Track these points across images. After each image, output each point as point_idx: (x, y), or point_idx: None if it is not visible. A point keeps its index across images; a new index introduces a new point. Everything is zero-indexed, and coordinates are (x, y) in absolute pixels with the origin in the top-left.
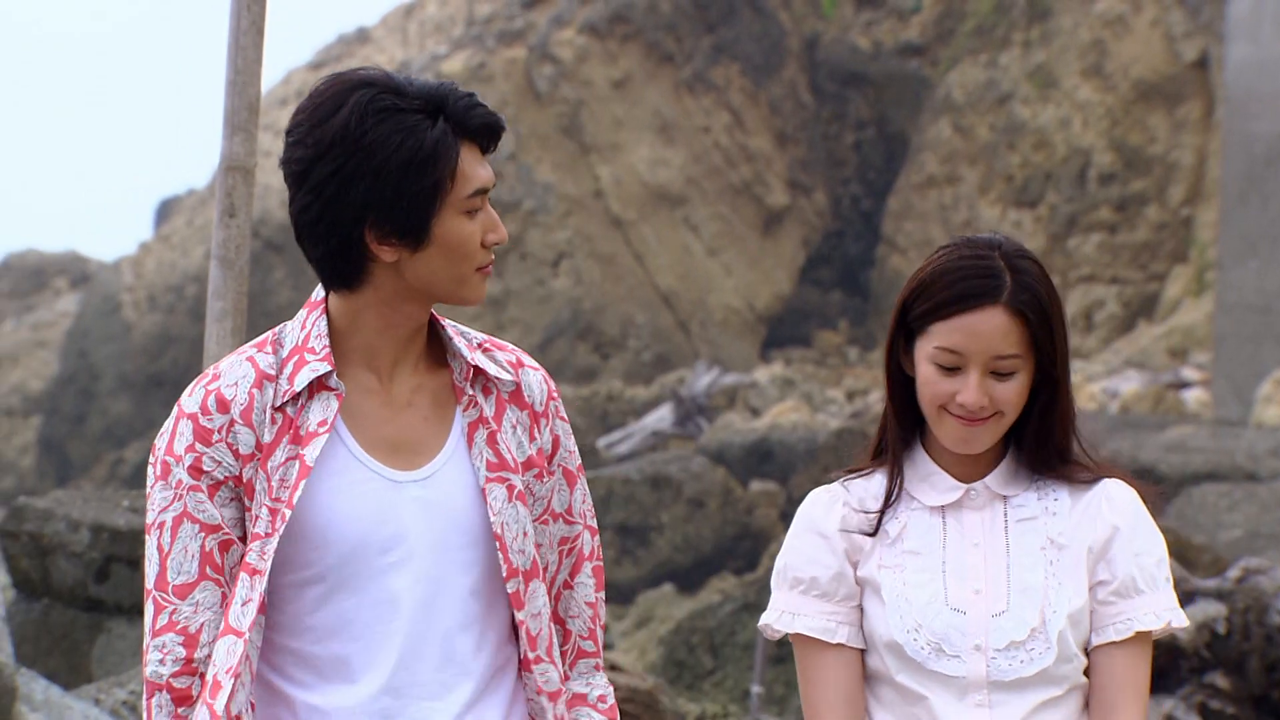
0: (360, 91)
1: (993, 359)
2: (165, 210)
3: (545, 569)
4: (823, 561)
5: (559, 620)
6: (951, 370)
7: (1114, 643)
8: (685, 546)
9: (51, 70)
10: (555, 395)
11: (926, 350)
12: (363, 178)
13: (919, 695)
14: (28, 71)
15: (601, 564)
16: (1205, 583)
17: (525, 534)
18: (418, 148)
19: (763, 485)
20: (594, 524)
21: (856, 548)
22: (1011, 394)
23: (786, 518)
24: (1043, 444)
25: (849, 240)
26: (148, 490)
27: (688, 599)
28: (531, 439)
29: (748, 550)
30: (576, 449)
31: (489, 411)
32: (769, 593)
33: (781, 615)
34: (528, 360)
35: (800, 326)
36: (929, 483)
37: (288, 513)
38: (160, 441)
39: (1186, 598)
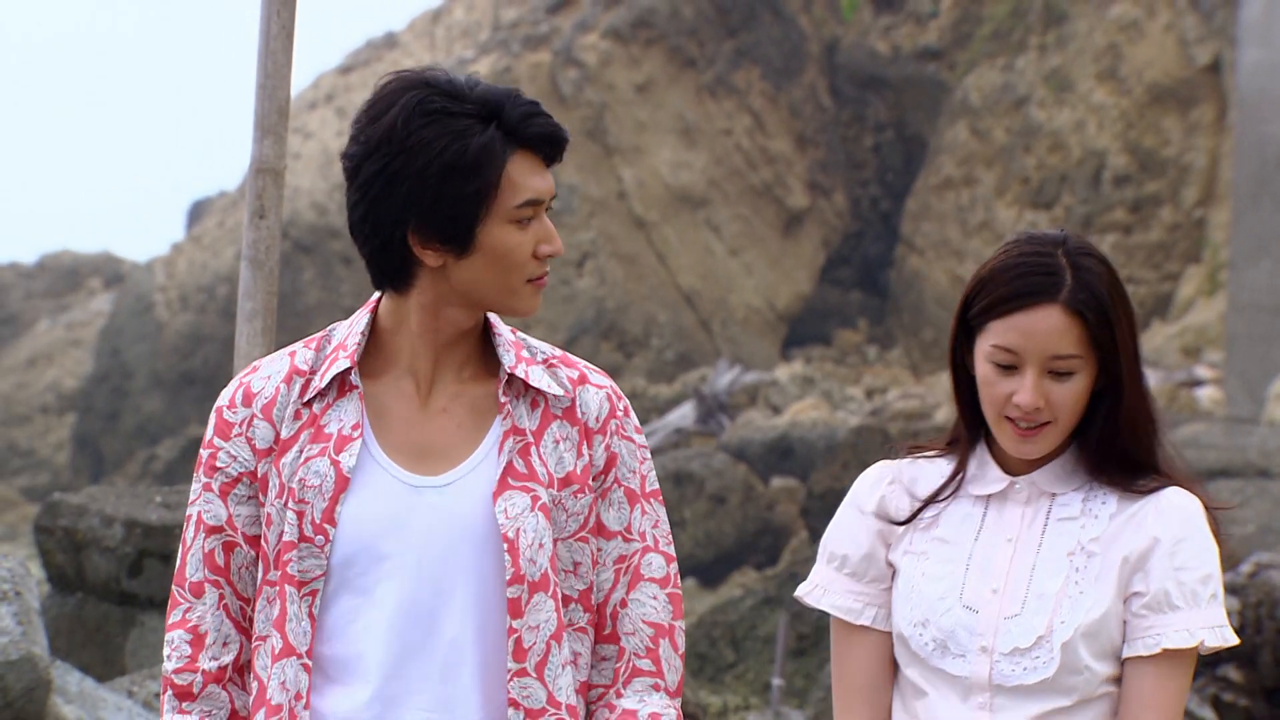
0: (414, 92)
1: (1050, 359)
2: (197, 211)
3: (589, 589)
4: (856, 540)
5: (614, 639)
6: (1008, 370)
7: (1142, 658)
8: (707, 542)
9: (85, 73)
10: (620, 414)
11: (984, 349)
12: (406, 179)
13: (922, 691)
14: (62, 74)
15: (679, 593)
16: None
17: (541, 545)
18: (462, 152)
19: (783, 481)
20: (668, 550)
21: (891, 529)
22: (1068, 396)
23: (806, 513)
24: (1106, 449)
25: (868, 241)
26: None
27: (710, 593)
28: (579, 455)
29: (768, 545)
30: (649, 472)
31: (530, 425)
32: (790, 587)
33: (814, 589)
34: (594, 379)
35: (820, 326)
36: (982, 471)
37: (331, 530)
38: (205, 433)
39: None
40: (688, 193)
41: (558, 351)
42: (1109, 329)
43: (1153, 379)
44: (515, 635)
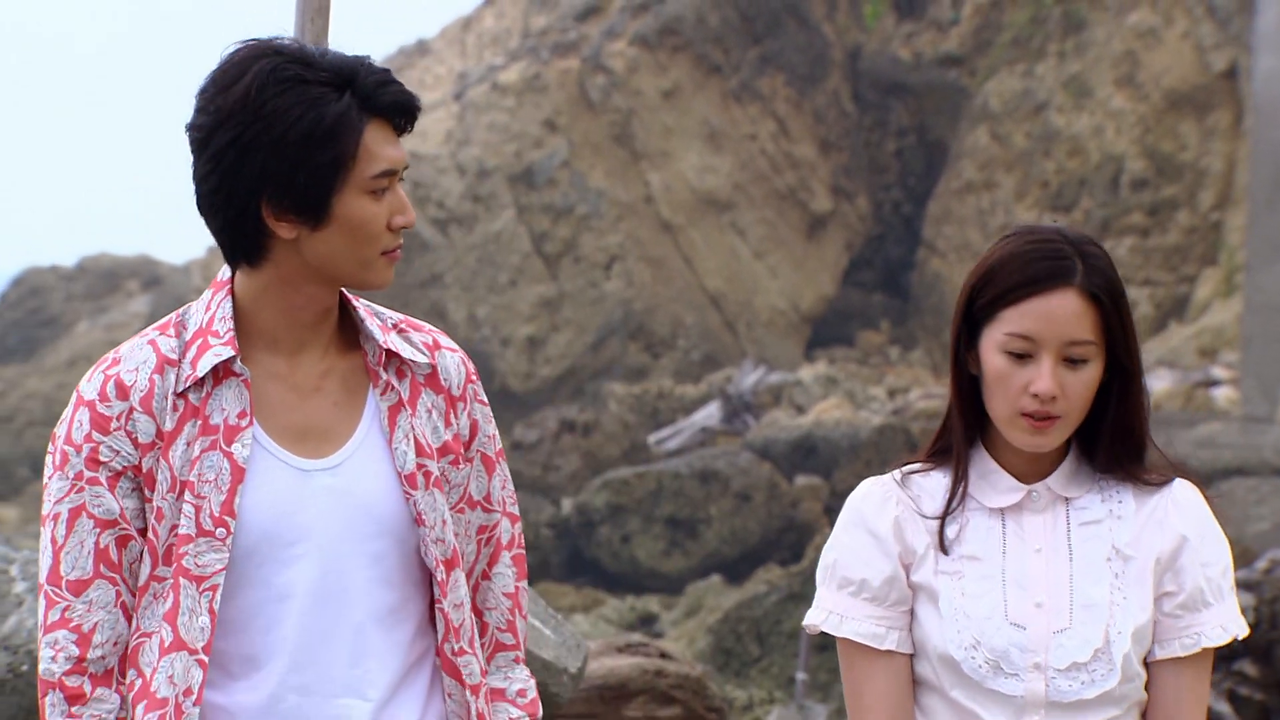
0: (266, 59)
1: (1066, 344)
2: None
3: (464, 558)
4: (875, 564)
5: (476, 612)
6: (1022, 358)
7: (1179, 658)
8: (732, 539)
9: (124, 77)
10: (474, 378)
11: (995, 339)
12: (260, 149)
13: (973, 713)
14: (101, 78)
15: (523, 553)
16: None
17: (444, 522)
18: (318, 121)
19: (807, 480)
20: (515, 511)
21: (910, 550)
22: (1081, 386)
23: (830, 511)
24: (1118, 441)
25: (890, 244)
26: (44, 480)
27: (735, 589)
28: (448, 424)
29: (793, 542)
30: (497, 434)
31: (405, 395)
32: (813, 583)
33: (829, 617)
34: (445, 341)
35: (843, 327)
36: (988, 481)
37: (232, 522)
38: (59, 430)
39: None
40: (713, 197)
41: (400, 315)
42: (1119, 315)
43: (1170, 379)
44: (446, 616)
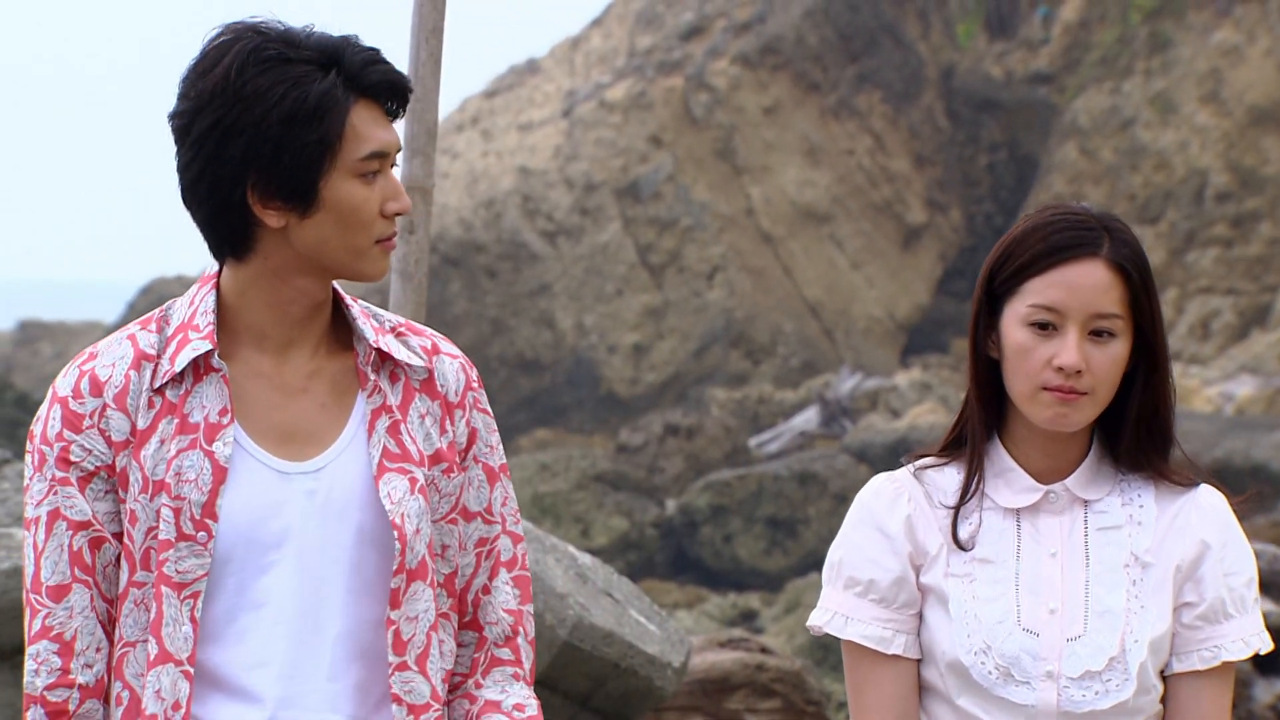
0: (246, 39)
1: (1092, 317)
2: None
3: (454, 573)
4: (883, 563)
5: (476, 626)
6: (1047, 331)
7: (1199, 671)
8: (830, 538)
9: None
10: (475, 385)
11: (1018, 312)
12: (242, 131)
13: None
14: None
15: (527, 575)
16: None
17: (419, 531)
18: (302, 99)
19: None
20: (517, 529)
21: (921, 551)
22: (1108, 361)
23: None
24: (1144, 431)
25: (982, 255)
26: (25, 481)
27: None
28: (443, 431)
29: None
30: (500, 445)
31: (394, 400)
32: None
33: (834, 618)
34: (446, 347)
35: (937, 334)
36: (1004, 480)
37: (213, 525)
38: (35, 428)
39: None
40: (812, 209)
41: (400, 318)
42: (1147, 291)
43: (1252, 385)
44: (394, 627)
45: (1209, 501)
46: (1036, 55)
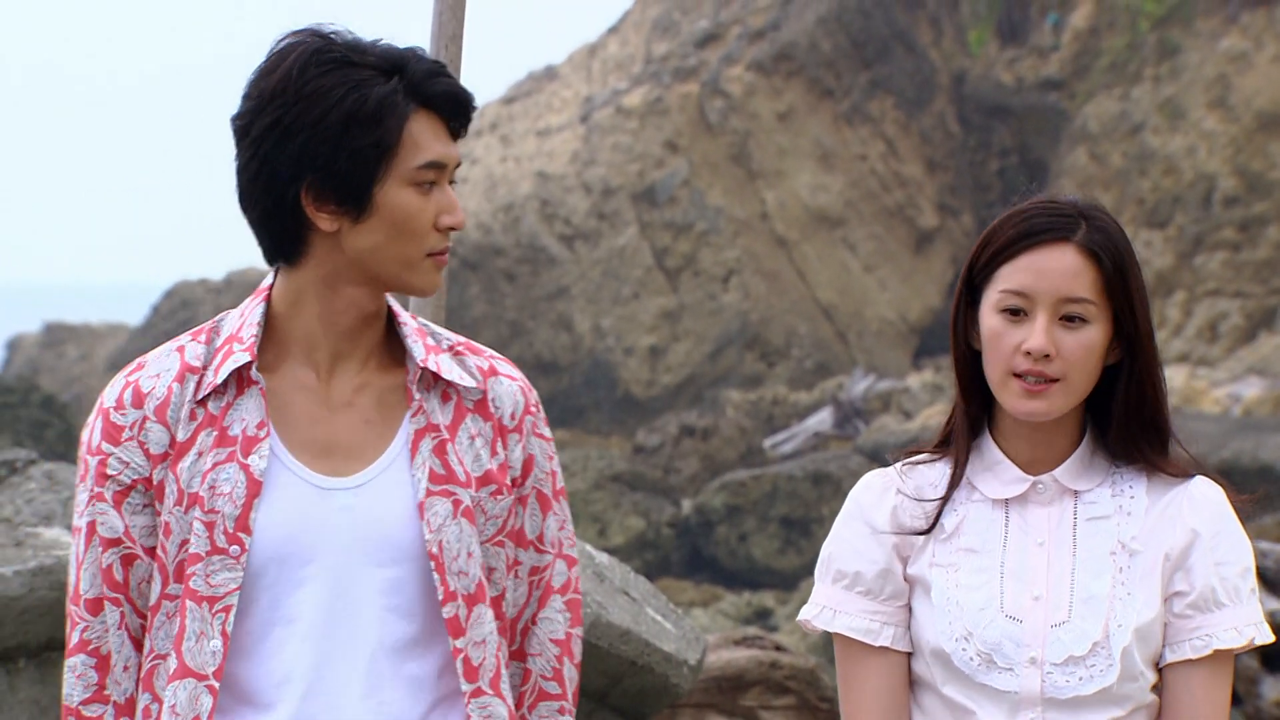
0: (310, 42)
1: (1062, 301)
2: None
3: (501, 595)
4: (869, 555)
5: (521, 656)
6: (1017, 316)
7: (1190, 661)
8: None
9: None
10: (534, 409)
11: (992, 299)
12: (300, 131)
13: (966, 709)
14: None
15: (579, 599)
16: None
17: (469, 554)
18: (361, 102)
19: None
20: (572, 552)
21: (908, 542)
22: (1079, 347)
23: None
24: (1132, 422)
25: None
26: (76, 489)
27: None
28: (494, 453)
29: None
30: (558, 471)
31: (443, 419)
32: None
33: (822, 611)
34: (504, 369)
35: (949, 337)
36: (993, 472)
37: (246, 539)
38: (83, 435)
39: None
40: (825, 214)
41: (460, 338)
42: (1124, 278)
43: (1260, 386)
44: (462, 655)
45: (1202, 492)
46: (1047, 62)
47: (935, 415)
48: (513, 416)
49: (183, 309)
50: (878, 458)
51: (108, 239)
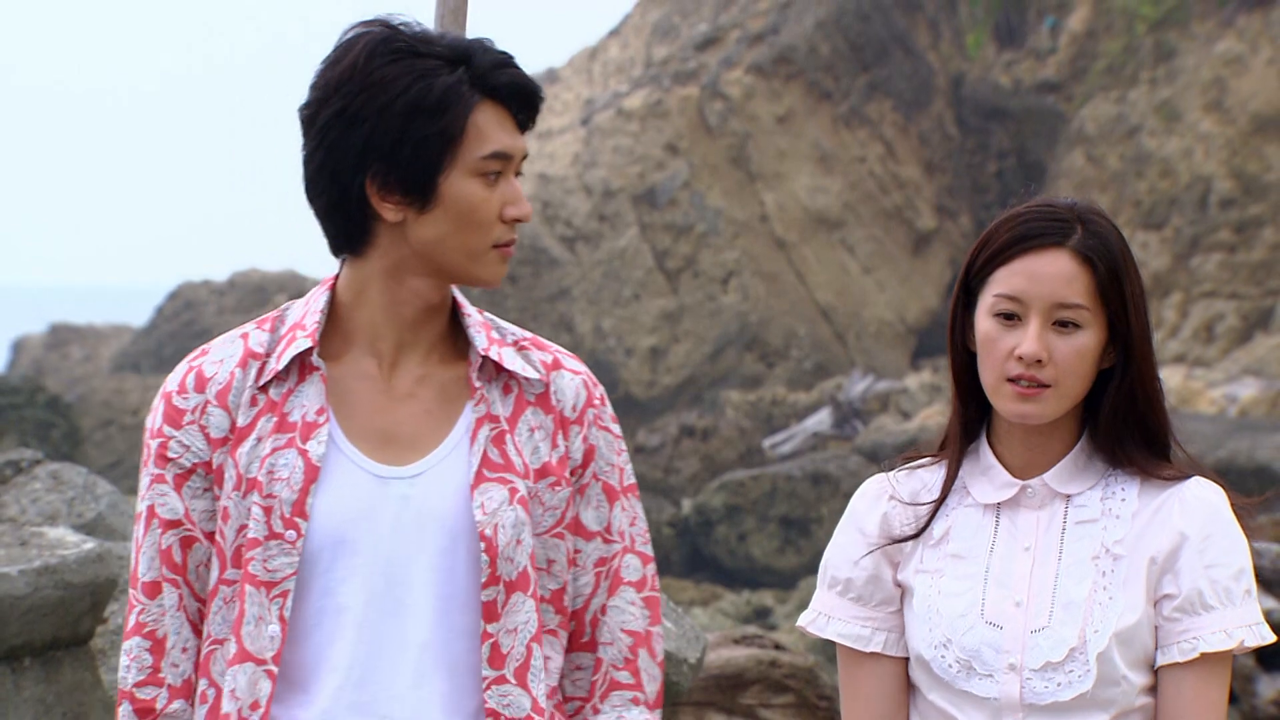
0: (377, 32)
1: (1055, 306)
2: None
3: (562, 589)
4: (859, 562)
5: (592, 647)
6: (1011, 321)
7: (1179, 664)
8: None
9: (271, 103)
10: (598, 403)
11: (986, 304)
12: (365, 120)
13: (950, 716)
14: (255, 101)
15: (656, 596)
16: None
17: (519, 542)
18: (426, 91)
19: None
20: (646, 549)
21: (898, 548)
22: (1072, 352)
23: None
24: (1126, 427)
25: None
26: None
27: None
28: (554, 445)
29: None
30: (626, 465)
31: (503, 411)
32: None
33: (817, 618)
34: (569, 363)
35: (946, 339)
36: (986, 476)
37: (303, 524)
38: (147, 419)
39: None
40: (824, 215)
41: (527, 334)
42: (1118, 283)
43: (1255, 387)
44: (491, 640)
45: (1195, 494)
46: (1044, 64)
47: (933, 416)
48: (574, 409)
49: (186, 310)
50: (876, 458)
51: (113, 242)
